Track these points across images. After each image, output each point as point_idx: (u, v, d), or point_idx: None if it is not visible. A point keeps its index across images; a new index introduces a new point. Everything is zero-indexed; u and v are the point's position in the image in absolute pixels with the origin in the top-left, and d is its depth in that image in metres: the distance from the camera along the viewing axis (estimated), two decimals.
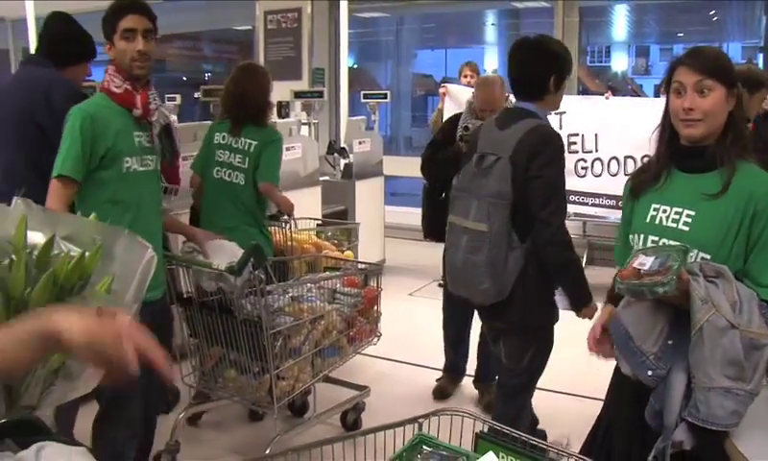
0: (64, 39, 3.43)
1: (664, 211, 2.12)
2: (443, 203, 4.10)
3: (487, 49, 19.07)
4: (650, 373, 1.98)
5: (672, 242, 2.06)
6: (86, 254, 1.49)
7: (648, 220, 2.16)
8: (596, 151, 6.53)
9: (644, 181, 2.22)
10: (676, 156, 2.16)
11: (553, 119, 6.61)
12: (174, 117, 8.05)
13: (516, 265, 2.85)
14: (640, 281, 1.91)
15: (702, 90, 2.05)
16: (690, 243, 2.03)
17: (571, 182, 6.54)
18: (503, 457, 1.70)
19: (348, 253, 4.89)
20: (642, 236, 2.16)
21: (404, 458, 1.68)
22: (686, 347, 1.91)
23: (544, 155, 2.83)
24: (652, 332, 2.00)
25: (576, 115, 6.61)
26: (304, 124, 7.54)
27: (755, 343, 1.84)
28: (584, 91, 8.92)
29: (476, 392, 4.42)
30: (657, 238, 2.11)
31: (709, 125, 2.06)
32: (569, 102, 7.01)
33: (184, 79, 18.98)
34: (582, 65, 9.52)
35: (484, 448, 1.71)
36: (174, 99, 8.97)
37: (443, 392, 4.43)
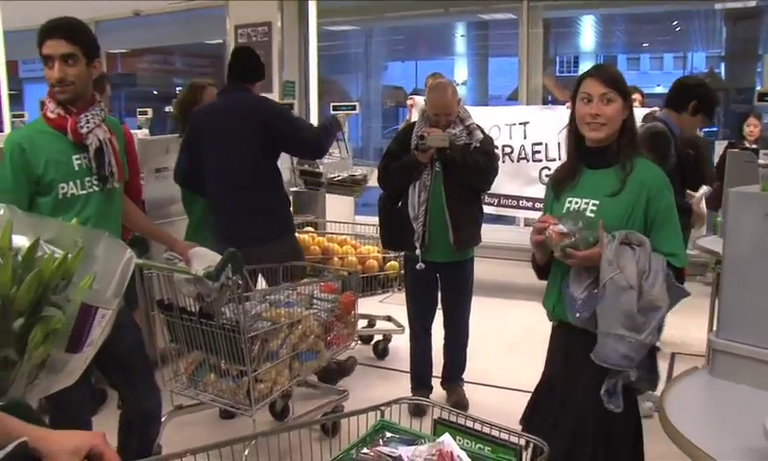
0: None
1: (576, 203, 2.55)
2: (398, 212, 4.22)
3: (456, 60, 19.29)
4: (577, 315, 2.42)
5: None
6: (69, 255, 1.60)
7: (564, 211, 2.57)
8: (559, 159, 6.67)
9: (562, 182, 2.64)
10: (584, 156, 2.59)
11: (518, 129, 6.83)
12: (145, 131, 8.15)
13: None
14: (573, 240, 2.36)
15: (606, 101, 2.49)
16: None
17: (537, 190, 6.74)
18: (459, 439, 1.83)
19: (394, 263, 5.04)
20: None
21: (367, 442, 1.80)
22: None
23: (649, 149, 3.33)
24: (582, 282, 2.42)
25: (539, 125, 6.79)
26: None
27: (653, 304, 2.26)
28: (552, 101, 9.11)
29: (444, 392, 4.53)
30: None
31: (610, 128, 2.50)
32: (532, 112, 7.22)
33: (155, 93, 18.98)
34: (549, 75, 9.71)
35: (441, 432, 1.84)
36: (145, 113, 9.05)
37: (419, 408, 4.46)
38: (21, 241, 1.60)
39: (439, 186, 4.11)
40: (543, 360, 2.73)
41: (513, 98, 12.53)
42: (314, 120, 8.70)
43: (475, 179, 4.17)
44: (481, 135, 4.18)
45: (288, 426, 1.77)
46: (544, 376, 2.75)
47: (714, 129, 12.71)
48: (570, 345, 2.56)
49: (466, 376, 4.55)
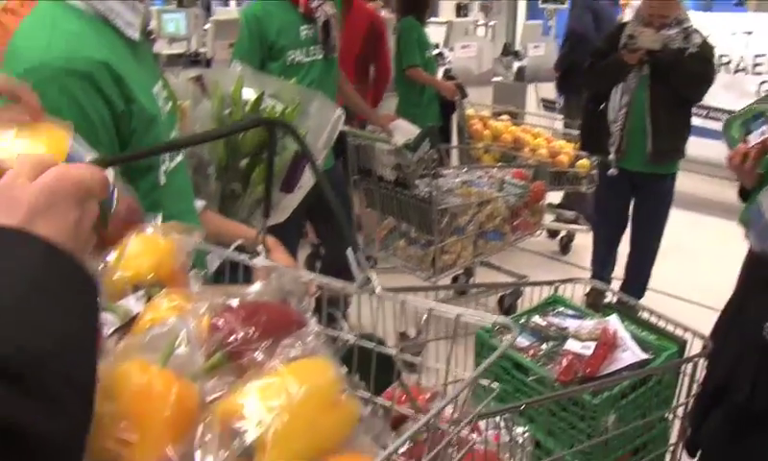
0: None
1: None
2: (601, 114, 4.00)
3: None
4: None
5: None
6: (288, 109, 1.84)
7: None
8: None
9: None
10: None
11: (740, 39, 6.38)
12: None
13: None
14: None
15: None
16: None
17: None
18: (627, 324, 1.91)
19: (585, 162, 4.85)
20: None
21: (538, 311, 1.93)
22: None
23: None
24: None
25: (765, 35, 6.30)
26: (481, 25, 7.67)
27: None
28: None
29: None
30: None
31: None
32: (756, 20, 6.70)
33: None
34: None
35: (609, 314, 1.93)
36: None
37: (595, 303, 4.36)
38: (249, 94, 1.87)
39: (644, 91, 3.81)
40: (731, 280, 2.48)
41: (739, 4, 11.58)
42: (521, 12, 8.57)
43: (686, 87, 3.82)
44: (699, 40, 3.77)
45: (464, 286, 1.94)
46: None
47: None
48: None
49: (650, 285, 4.47)
